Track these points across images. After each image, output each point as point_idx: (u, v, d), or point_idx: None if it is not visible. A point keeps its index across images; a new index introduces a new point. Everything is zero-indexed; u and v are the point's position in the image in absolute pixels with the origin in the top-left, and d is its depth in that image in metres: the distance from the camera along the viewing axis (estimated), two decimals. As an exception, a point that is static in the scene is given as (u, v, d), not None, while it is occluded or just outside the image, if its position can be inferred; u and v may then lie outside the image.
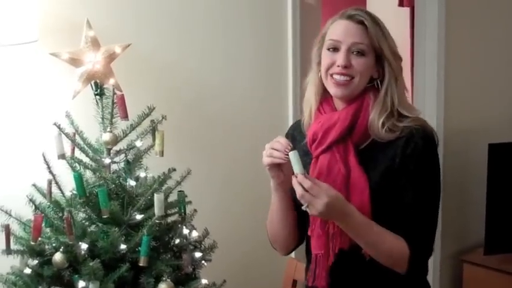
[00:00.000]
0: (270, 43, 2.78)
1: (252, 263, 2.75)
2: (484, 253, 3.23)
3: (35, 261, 1.90)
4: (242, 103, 2.72)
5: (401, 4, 5.19)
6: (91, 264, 1.79)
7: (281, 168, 1.66)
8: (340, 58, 1.66)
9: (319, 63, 1.74)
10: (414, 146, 1.65)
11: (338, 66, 1.67)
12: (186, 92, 2.55)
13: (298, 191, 1.56)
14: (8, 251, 1.90)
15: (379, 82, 1.71)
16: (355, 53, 1.67)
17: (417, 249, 1.65)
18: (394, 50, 1.70)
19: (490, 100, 3.60)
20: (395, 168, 1.66)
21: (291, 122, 2.81)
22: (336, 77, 1.68)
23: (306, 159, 1.74)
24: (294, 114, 2.83)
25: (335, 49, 1.68)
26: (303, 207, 1.58)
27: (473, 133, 3.45)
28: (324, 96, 1.76)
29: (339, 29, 1.69)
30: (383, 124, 1.66)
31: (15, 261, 1.95)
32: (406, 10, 5.23)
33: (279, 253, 1.92)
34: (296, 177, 1.57)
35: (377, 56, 1.69)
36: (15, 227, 1.96)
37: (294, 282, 2.50)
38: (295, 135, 1.86)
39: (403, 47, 1.77)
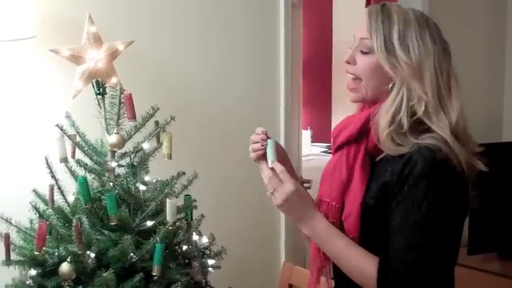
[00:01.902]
0: (263, 43, 2.74)
1: (247, 267, 2.68)
2: (468, 253, 3.25)
3: (36, 273, 1.78)
4: (236, 103, 2.67)
5: (368, 4, 5.22)
6: (104, 274, 1.68)
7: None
8: (346, 54, 1.59)
9: None
10: (412, 167, 1.45)
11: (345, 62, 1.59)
12: (181, 92, 2.47)
13: (266, 173, 1.53)
14: (8, 261, 1.77)
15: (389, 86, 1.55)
16: (361, 49, 1.55)
17: (385, 277, 1.46)
18: (397, 54, 1.50)
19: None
20: (391, 185, 1.49)
21: (282, 121, 2.78)
22: (348, 76, 1.60)
23: None
24: (285, 113, 2.79)
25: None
26: (267, 194, 1.54)
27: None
28: None
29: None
30: (389, 136, 1.50)
31: (15, 272, 1.82)
32: (373, 11, 5.28)
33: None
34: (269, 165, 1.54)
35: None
36: (13, 236, 1.83)
37: (290, 286, 2.44)
38: None
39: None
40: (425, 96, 1.49)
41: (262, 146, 1.58)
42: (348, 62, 1.58)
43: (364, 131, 1.58)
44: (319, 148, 5.67)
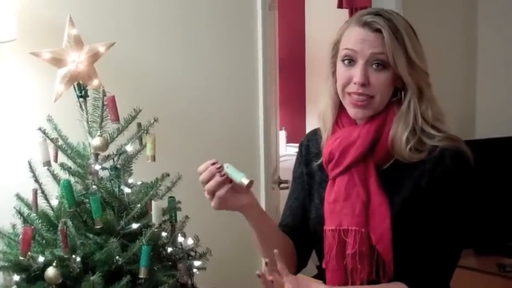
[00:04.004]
0: (242, 45, 2.74)
1: (230, 267, 2.68)
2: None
3: (20, 278, 1.77)
4: (217, 105, 2.66)
5: (340, 6, 5.25)
6: (92, 278, 1.67)
7: (233, 192, 1.47)
8: (357, 74, 1.47)
9: (334, 73, 1.56)
10: (444, 168, 1.47)
11: (355, 83, 1.47)
12: (163, 94, 2.46)
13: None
14: (-8, 267, 1.75)
15: (402, 94, 1.52)
16: (374, 66, 1.47)
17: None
18: (415, 63, 1.48)
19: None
20: (421, 190, 1.49)
21: (262, 122, 2.78)
22: (354, 96, 1.49)
23: (325, 177, 1.59)
24: (264, 113, 2.81)
25: (351, 61, 1.48)
26: None
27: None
28: (342, 108, 1.57)
29: (354, 38, 1.48)
30: (407, 141, 1.48)
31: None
32: (345, 11, 5.31)
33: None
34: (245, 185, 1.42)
35: None
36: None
37: (272, 286, 2.44)
38: (310, 147, 1.68)
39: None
40: (433, 99, 1.53)
41: (222, 175, 1.44)
42: (363, 84, 1.48)
43: (372, 144, 1.52)
44: (294, 149, 5.69)
